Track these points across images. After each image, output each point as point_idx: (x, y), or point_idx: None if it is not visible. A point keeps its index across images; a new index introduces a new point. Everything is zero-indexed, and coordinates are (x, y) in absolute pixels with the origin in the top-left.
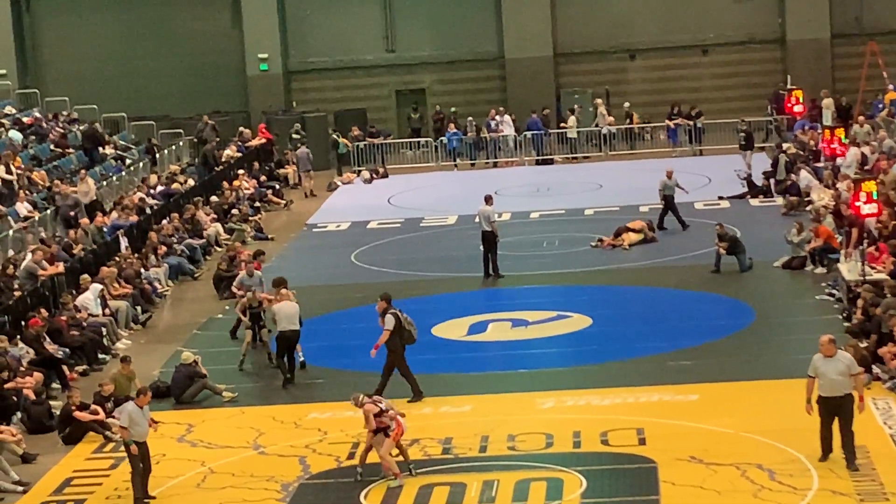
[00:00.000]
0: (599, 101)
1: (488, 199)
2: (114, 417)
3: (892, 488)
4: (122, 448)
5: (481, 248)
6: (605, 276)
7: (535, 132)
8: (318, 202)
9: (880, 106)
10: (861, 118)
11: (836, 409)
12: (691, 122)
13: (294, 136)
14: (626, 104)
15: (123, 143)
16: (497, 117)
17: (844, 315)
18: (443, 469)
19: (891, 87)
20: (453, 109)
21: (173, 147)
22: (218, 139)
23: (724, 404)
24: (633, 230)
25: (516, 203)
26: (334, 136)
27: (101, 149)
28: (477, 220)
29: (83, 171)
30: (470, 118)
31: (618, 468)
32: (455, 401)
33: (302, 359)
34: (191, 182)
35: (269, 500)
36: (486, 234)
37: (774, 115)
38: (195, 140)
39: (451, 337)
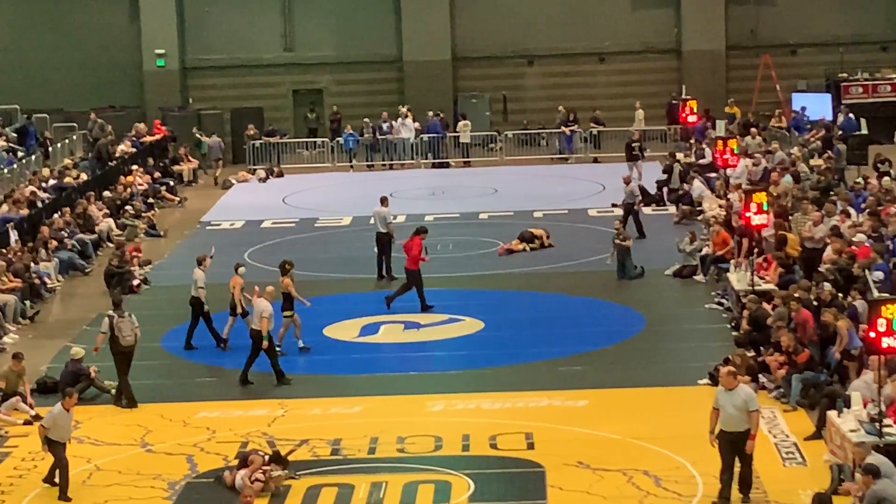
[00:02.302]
0: (463, 118)
1: (384, 201)
2: (1, 413)
3: (775, 497)
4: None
5: (375, 249)
6: (497, 281)
7: (433, 135)
8: (212, 200)
9: (806, 117)
10: (753, 130)
11: (733, 446)
12: (578, 128)
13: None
14: (465, 124)
15: (16, 135)
16: (400, 119)
17: (733, 324)
18: (331, 470)
19: (731, 100)
20: (406, 107)
21: (66, 140)
22: (111, 137)
23: (612, 410)
24: (535, 236)
25: (412, 205)
26: (198, 136)
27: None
28: (372, 221)
29: None
30: (366, 119)
31: (506, 472)
32: (345, 402)
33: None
34: (84, 176)
35: (156, 498)
36: (381, 236)
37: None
38: (88, 135)
39: (343, 338)
